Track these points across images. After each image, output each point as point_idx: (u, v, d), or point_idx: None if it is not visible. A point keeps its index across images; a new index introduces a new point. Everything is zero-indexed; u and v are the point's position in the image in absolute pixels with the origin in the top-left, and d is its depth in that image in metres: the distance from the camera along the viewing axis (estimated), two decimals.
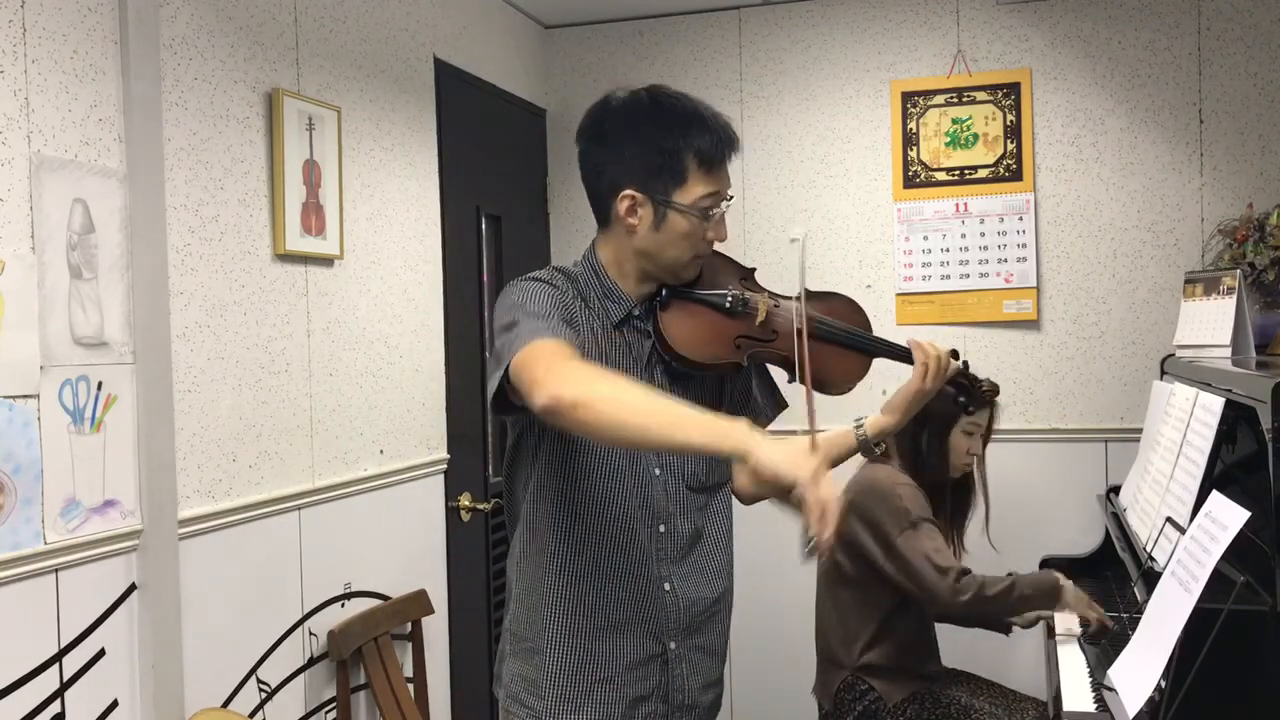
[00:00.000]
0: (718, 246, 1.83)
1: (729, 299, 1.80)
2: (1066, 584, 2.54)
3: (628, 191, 1.74)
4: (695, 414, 1.49)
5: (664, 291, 1.81)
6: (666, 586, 1.80)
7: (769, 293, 1.83)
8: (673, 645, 1.80)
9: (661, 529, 1.79)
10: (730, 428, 1.46)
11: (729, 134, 1.76)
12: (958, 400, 1.98)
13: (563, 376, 1.54)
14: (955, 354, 1.91)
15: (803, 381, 1.66)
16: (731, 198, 1.81)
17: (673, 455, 1.79)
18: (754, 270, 1.88)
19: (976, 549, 2.90)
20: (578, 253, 1.91)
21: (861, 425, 1.95)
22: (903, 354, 1.89)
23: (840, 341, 1.84)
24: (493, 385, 1.69)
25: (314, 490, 2.60)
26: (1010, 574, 2.60)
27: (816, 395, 1.66)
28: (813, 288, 1.85)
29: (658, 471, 1.79)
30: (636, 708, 1.78)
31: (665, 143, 1.73)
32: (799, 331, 1.69)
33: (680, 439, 1.48)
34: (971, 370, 1.99)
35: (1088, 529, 3.37)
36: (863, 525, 2.55)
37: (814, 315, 1.82)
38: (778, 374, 1.89)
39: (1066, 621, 2.56)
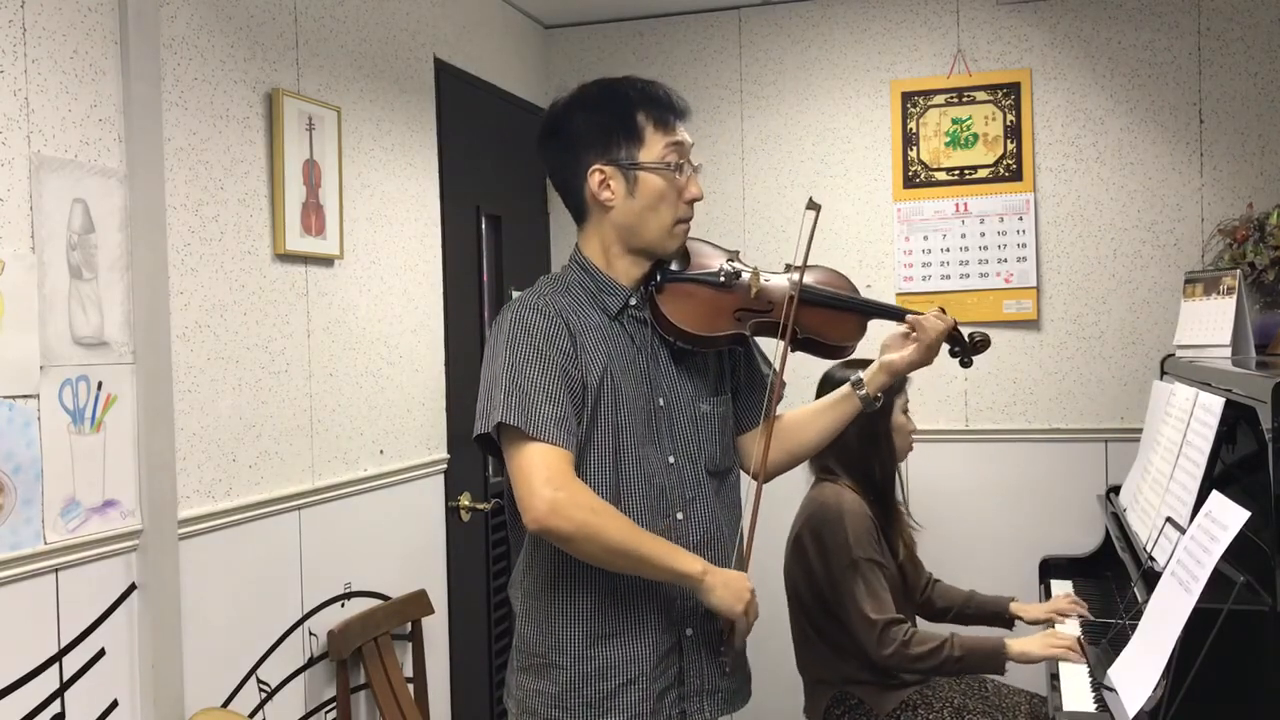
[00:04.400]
0: (699, 232, 1.88)
1: (722, 274, 1.86)
2: (1014, 643, 2.42)
3: (595, 166, 1.78)
4: (664, 550, 1.70)
5: (657, 277, 1.84)
6: None
7: (757, 268, 1.90)
8: (689, 631, 1.81)
9: (680, 516, 1.80)
10: (691, 564, 1.71)
11: (674, 94, 1.82)
12: (953, 352, 2.04)
13: (559, 508, 1.63)
14: (943, 310, 1.99)
15: (783, 338, 1.85)
16: (697, 165, 1.86)
17: (687, 442, 1.83)
18: (738, 252, 1.93)
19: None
20: None
21: (861, 384, 1.97)
22: (894, 313, 2.00)
23: (834, 305, 1.93)
24: (480, 427, 1.74)
25: (314, 490, 2.60)
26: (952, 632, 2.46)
27: (816, 359, 1.98)
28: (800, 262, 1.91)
29: (672, 459, 1.81)
30: (662, 699, 1.79)
31: (615, 108, 1.78)
32: (795, 283, 1.85)
33: (647, 572, 1.70)
34: (959, 326, 2.04)
35: (1088, 529, 3.36)
36: (813, 549, 2.53)
37: (805, 283, 1.90)
38: (772, 349, 1.94)
39: (1066, 626, 2.56)
